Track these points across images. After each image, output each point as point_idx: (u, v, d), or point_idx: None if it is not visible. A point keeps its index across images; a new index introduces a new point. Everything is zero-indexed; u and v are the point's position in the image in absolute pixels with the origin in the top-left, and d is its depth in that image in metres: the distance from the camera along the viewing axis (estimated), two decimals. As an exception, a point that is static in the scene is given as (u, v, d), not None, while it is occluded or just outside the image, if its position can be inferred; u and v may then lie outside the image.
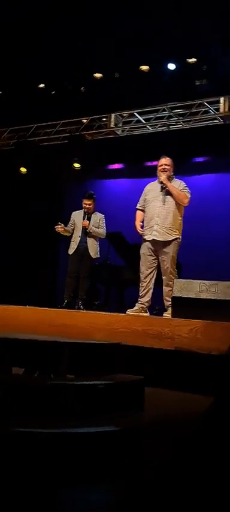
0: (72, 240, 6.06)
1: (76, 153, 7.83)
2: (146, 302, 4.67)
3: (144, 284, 4.69)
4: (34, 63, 7.09)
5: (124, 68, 7.07)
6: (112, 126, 7.77)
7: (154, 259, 4.69)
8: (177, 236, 4.64)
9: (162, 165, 4.77)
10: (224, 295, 3.39)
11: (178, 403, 2.88)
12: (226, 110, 6.91)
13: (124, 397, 2.77)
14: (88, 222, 5.96)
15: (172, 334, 3.20)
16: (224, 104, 6.92)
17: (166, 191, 4.68)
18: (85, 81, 7.42)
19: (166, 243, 4.61)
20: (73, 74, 7.32)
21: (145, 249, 4.74)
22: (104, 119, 7.90)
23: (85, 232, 5.96)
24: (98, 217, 6.08)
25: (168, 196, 4.67)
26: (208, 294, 3.45)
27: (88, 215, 6.04)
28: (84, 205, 6.05)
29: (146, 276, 4.69)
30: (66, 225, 6.13)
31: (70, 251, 6.01)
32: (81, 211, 6.10)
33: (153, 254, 4.69)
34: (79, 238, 5.96)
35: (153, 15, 6.16)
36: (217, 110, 7.03)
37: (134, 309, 4.68)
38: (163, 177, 4.69)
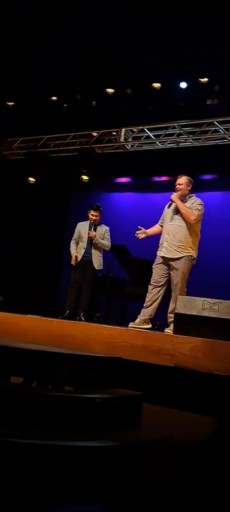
0: (76, 251, 6.07)
1: (85, 165, 7.88)
2: (149, 314, 4.64)
3: (150, 295, 4.67)
4: (47, 75, 7.18)
5: (136, 84, 7.13)
6: (122, 140, 7.82)
7: (165, 274, 4.69)
8: (188, 254, 4.61)
9: (176, 185, 4.84)
10: (226, 314, 3.35)
11: (176, 421, 2.83)
12: (236, 129, 6.93)
13: (121, 413, 2.74)
14: (94, 232, 5.97)
15: (173, 351, 3.16)
16: (234, 124, 6.94)
17: (176, 209, 4.71)
18: (97, 96, 7.50)
19: (175, 260, 4.62)
20: (85, 88, 7.40)
21: (156, 263, 4.77)
22: (114, 133, 7.95)
23: (91, 243, 5.97)
24: (103, 229, 6.10)
25: (179, 215, 4.69)
26: (210, 312, 3.41)
27: (94, 226, 6.05)
28: (91, 216, 6.06)
29: (154, 288, 4.68)
30: (70, 237, 6.14)
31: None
32: (87, 223, 6.11)
33: (163, 269, 4.70)
34: (84, 250, 5.97)
35: (167, 34, 6.22)
36: (227, 129, 7.06)
37: (136, 321, 4.65)
38: (173, 194, 4.74)
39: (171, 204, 4.75)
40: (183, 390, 3.05)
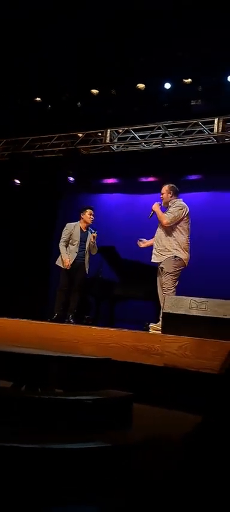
0: (67, 252, 5.94)
1: (71, 166, 7.86)
2: None
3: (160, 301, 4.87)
4: (31, 76, 7.15)
5: (121, 85, 7.16)
6: (107, 141, 7.82)
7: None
8: (171, 255, 4.87)
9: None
10: (213, 312, 3.40)
11: (166, 420, 2.86)
12: (220, 130, 7.01)
13: (112, 413, 2.75)
14: (96, 234, 5.95)
15: (162, 351, 3.19)
16: (218, 125, 7.02)
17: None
18: (82, 96, 7.50)
19: (162, 264, 4.91)
20: (70, 89, 7.39)
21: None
22: (100, 134, 7.96)
23: (84, 246, 5.92)
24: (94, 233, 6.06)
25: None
26: (198, 311, 3.45)
27: (87, 230, 6.03)
28: (89, 216, 6.02)
29: (160, 295, 4.94)
30: (59, 239, 6.08)
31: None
32: (77, 224, 6.03)
33: (160, 274, 4.98)
34: (77, 253, 5.90)
35: (151, 36, 6.27)
36: (211, 130, 7.12)
37: (158, 323, 4.70)
38: (154, 205, 5.09)
39: (152, 215, 5.10)
40: (173, 389, 3.08)
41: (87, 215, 6.03)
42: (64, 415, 2.56)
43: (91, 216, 6.05)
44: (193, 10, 5.83)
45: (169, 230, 4.95)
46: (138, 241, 5.26)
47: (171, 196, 5.09)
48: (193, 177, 8.02)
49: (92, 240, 5.90)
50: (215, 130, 7.05)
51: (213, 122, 7.09)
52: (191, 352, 3.08)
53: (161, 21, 6.04)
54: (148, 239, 5.22)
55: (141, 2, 5.81)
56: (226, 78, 6.61)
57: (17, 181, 8.32)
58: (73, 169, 7.89)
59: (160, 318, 4.68)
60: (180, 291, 5.40)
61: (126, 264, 5.78)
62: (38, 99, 7.66)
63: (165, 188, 5.15)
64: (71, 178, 8.04)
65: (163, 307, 4.55)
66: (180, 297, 3.65)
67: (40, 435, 2.43)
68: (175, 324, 3.44)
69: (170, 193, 5.10)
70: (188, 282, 6.61)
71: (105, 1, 5.88)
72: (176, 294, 4.69)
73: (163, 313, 3.70)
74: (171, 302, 3.63)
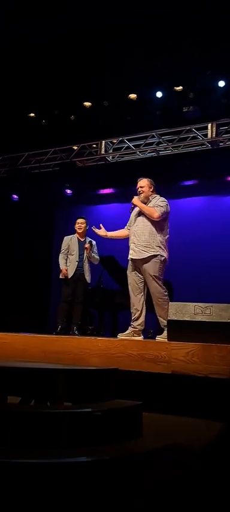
0: (67, 264, 5.97)
1: (67, 179, 7.89)
2: (138, 325, 4.59)
3: (133, 308, 4.65)
4: (24, 92, 7.20)
5: (113, 96, 7.22)
6: (102, 152, 7.87)
7: (140, 280, 4.65)
8: (156, 253, 4.55)
9: (137, 189, 4.85)
10: (219, 317, 3.41)
11: (177, 427, 2.85)
12: (213, 135, 7.07)
13: (122, 424, 2.74)
14: (90, 243, 5.92)
15: (169, 358, 3.19)
16: (212, 130, 7.08)
17: (139, 211, 4.75)
18: (75, 110, 7.55)
19: (143, 261, 4.58)
20: (62, 103, 7.44)
21: (128, 270, 4.77)
22: (94, 146, 8.00)
23: (83, 257, 5.91)
24: (93, 245, 6.04)
25: (143, 216, 4.70)
26: (203, 316, 3.46)
27: (84, 239, 6.01)
28: (79, 225, 6.00)
29: (133, 298, 4.66)
30: (58, 253, 6.11)
31: (68, 275, 5.91)
32: (74, 236, 6.07)
33: (137, 274, 4.67)
34: (77, 263, 5.91)
35: (141, 45, 6.33)
36: (205, 135, 7.18)
37: (126, 332, 4.61)
38: (134, 198, 4.77)
39: (133, 208, 4.81)
40: (181, 396, 3.08)
41: (76, 225, 6.05)
42: (75, 428, 2.55)
43: (79, 224, 6.00)
44: (182, 17, 5.91)
45: (156, 225, 4.61)
46: (98, 230, 5.03)
47: (151, 191, 4.78)
48: (189, 182, 8.08)
49: (87, 251, 5.87)
50: (209, 135, 7.12)
51: (206, 128, 7.15)
52: (198, 358, 3.08)
53: (150, 30, 6.12)
54: None
55: (131, 12, 5.88)
56: (217, 83, 6.69)
57: (15, 196, 8.33)
58: (71, 182, 7.91)
59: (129, 327, 4.61)
60: (178, 295, 5.40)
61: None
62: (32, 114, 7.71)
63: (145, 182, 4.80)
64: (68, 191, 8.07)
65: (159, 318, 4.50)
66: (184, 303, 3.65)
67: (50, 450, 2.42)
68: (181, 330, 3.44)
69: (151, 187, 4.79)
70: (186, 286, 6.66)
71: (94, 12, 5.94)
72: (174, 300, 4.51)
73: (168, 320, 3.69)
74: (175, 309, 3.63)
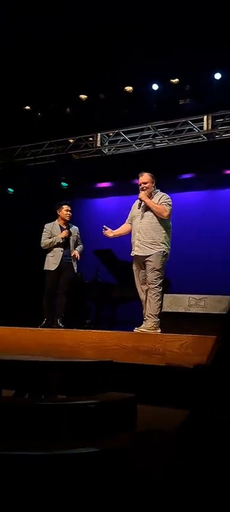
0: (51, 255, 5.65)
1: (63, 172, 7.85)
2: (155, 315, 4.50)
3: (143, 302, 4.62)
4: (20, 85, 7.15)
5: (109, 88, 7.19)
6: (98, 145, 7.84)
7: (144, 274, 4.64)
8: (161, 249, 4.55)
9: (140, 184, 4.79)
10: (213, 309, 3.41)
11: (171, 419, 2.86)
12: (209, 127, 7.04)
13: (116, 416, 2.74)
14: (67, 232, 5.65)
15: (163, 350, 3.19)
16: (207, 122, 7.05)
17: (145, 207, 4.70)
18: (71, 102, 7.51)
19: (148, 257, 4.57)
20: (58, 96, 7.40)
21: (133, 266, 4.75)
22: (90, 139, 7.97)
23: (67, 244, 5.64)
24: (76, 230, 5.83)
25: (149, 212, 4.66)
26: (197, 308, 3.46)
27: (68, 225, 5.75)
28: (65, 213, 5.71)
29: (141, 293, 4.65)
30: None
31: (52, 267, 5.62)
32: (55, 222, 5.76)
33: (142, 271, 4.66)
34: (62, 253, 5.62)
35: (136, 38, 6.30)
36: (201, 128, 7.16)
37: (141, 326, 4.50)
38: (141, 193, 4.70)
39: (140, 204, 4.73)
40: (176, 388, 3.08)
41: (64, 211, 5.72)
42: (69, 420, 2.55)
43: (68, 212, 5.72)
44: (178, 10, 5.88)
45: (162, 222, 4.59)
46: (104, 231, 4.91)
47: (153, 186, 4.73)
48: (186, 176, 8.06)
49: (64, 234, 5.60)
50: (204, 127, 7.09)
51: (202, 120, 7.13)
52: (193, 350, 3.09)
53: (146, 23, 6.09)
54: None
55: (127, 5, 5.85)
56: (213, 76, 6.67)
57: (11, 189, 8.29)
58: (67, 175, 7.88)
59: (146, 318, 4.49)
60: (176, 288, 5.39)
61: (124, 265, 5.68)
62: (27, 107, 7.66)
63: (147, 177, 4.73)
64: (65, 184, 8.00)
65: (147, 306, 4.48)
66: (179, 295, 3.65)
67: (45, 442, 2.42)
68: (175, 322, 3.44)
69: (153, 182, 4.74)
70: (184, 279, 6.66)
71: (91, 5, 5.91)
72: (172, 293, 4.52)
73: (163, 312, 3.69)
74: (170, 301, 3.63)
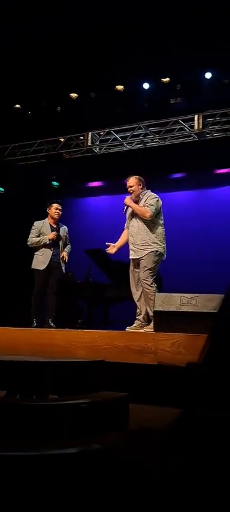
0: (40, 254, 5.59)
1: (54, 171, 7.82)
2: (143, 319, 4.64)
3: (137, 303, 4.70)
4: (10, 84, 7.10)
5: (100, 87, 7.18)
6: (89, 144, 7.82)
7: (138, 276, 4.71)
8: (153, 249, 4.62)
9: (127, 188, 4.85)
10: (204, 307, 3.42)
11: (164, 418, 2.86)
12: (200, 127, 7.07)
13: (108, 415, 2.74)
14: (55, 234, 5.59)
15: (155, 349, 3.19)
16: (198, 121, 7.08)
17: (132, 212, 4.78)
18: (61, 101, 7.48)
19: (141, 258, 4.66)
20: (49, 94, 7.37)
21: (130, 266, 4.82)
22: (81, 138, 7.95)
23: (58, 244, 5.59)
24: (65, 230, 5.78)
25: (137, 216, 4.75)
26: (189, 307, 3.47)
27: (57, 226, 5.69)
28: (55, 211, 5.66)
29: (135, 294, 4.72)
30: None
31: (41, 266, 5.55)
32: (46, 221, 5.70)
33: (136, 271, 4.73)
34: (52, 252, 5.57)
35: (128, 37, 6.30)
36: (192, 127, 7.18)
37: (133, 325, 4.63)
38: (126, 199, 4.80)
39: (126, 209, 4.82)
40: (168, 386, 3.09)
41: (53, 210, 5.66)
42: (61, 420, 2.53)
43: (57, 211, 5.66)
44: (169, 9, 5.89)
45: (149, 223, 4.66)
46: (107, 249, 4.97)
47: (141, 188, 4.79)
48: (177, 175, 8.08)
49: (50, 237, 5.54)
50: (195, 127, 7.12)
51: (193, 119, 7.15)
52: (184, 349, 3.09)
53: (137, 22, 6.09)
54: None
55: (118, 4, 5.84)
56: (204, 75, 6.69)
57: (1, 189, 8.23)
58: (58, 174, 7.84)
59: (137, 319, 4.64)
60: (167, 287, 5.40)
61: (116, 265, 5.68)
62: (18, 106, 7.62)
63: (134, 180, 4.80)
64: (55, 183, 7.97)
65: (146, 310, 4.54)
66: (170, 294, 3.66)
67: (37, 442, 2.40)
68: (167, 321, 3.45)
69: (140, 184, 4.79)
70: (175, 278, 6.68)
71: (81, 5, 5.89)
72: (163, 292, 4.56)
73: (155, 311, 3.70)
74: (162, 299, 3.64)
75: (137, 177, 4.84)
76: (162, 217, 4.79)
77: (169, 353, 3.15)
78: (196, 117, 7.10)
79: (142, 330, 4.48)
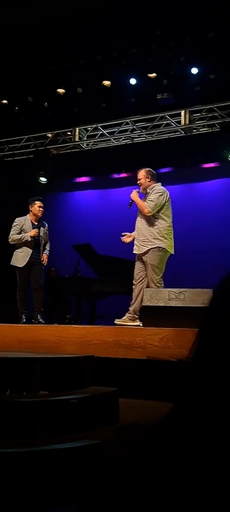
0: (20, 251, 5.53)
1: (42, 167, 7.77)
2: (132, 310, 4.59)
3: (133, 293, 4.66)
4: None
5: (87, 82, 7.15)
6: (76, 139, 7.80)
7: (139, 269, 4.67)
8: (154, 245, 4.55)
9: (137, 181, 4.82)
10: (192, 302, 3.45)
11: (153, 412, 2.89)
12: (187, 122, 7.11)
13: (98, 410, 2.76)
14: (37, 231, 5.54)
15: (144, 344, 3.22)
16: (185, 117, 7.11)
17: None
18: (49, 96, 7.44)
19: (144, 254, 4.61)
20: (36, 90, 7.32)
21: (136, 260, 4.78)
22: (69, 133, 7.92)
23: (37, 244, 5.53)
24: (45, 227, 5.71)
25: (139, 211, 4.72)
26: (177, 301, 3.50)
27: (39, 223, 5.63)
28: (38, 209, 5.59)
29: (133, 285, 4.67)
30: None
31: (21, 263, 5.49)
32: (27, 218, 5.63)
33: (138, 264, 4.70)
34: (32, 251, 5.51)
35: (114, 31, 6.29)
36: (179, 122, 7.22)
37: (122, 318, 4.59)
38: (132, 193, 4.74)
39: (131, 203, 4.76)
40: (158, 380, 3.12)
41: (36, 207, 5.58)
42: (51, 416, 2.54)
43: (41, 208, 5.60)
44: (155, 3, 5.90)
45: (150, 218, 4.59)
46: (122, 237, 4.88)
47: (149, 181, 4.70)
48: (164, 170, 8.11)
49: (32, 234, 5.49)
50: (182, 122, 7.15)
51: (180, 115, 7.18)
52: (173, 343, 3.13)
53: (123, 16, 6.08)
54: (130, 232, 4.87)
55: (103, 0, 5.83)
56: (190, 70, 6.71)
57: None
58: (45, 170, 7.80)
59: (126, 313, 4.60)
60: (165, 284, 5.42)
61: (104, 260, 5.66)
62: (5, 101, 7.55)
63: (142, 173, 4.74)
64: (43, 179, 7.92)
65: (134, 298, 4.53)
66: (158, 289, 3.68)
67: (27, 439, 2.41)
68: (155, 316, 3.48)
69: (148, 177, 4.70)
70: (164, 273, 6.72)
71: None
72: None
73: (143, 306, 3.72)
74: (150, 295, 3.66)
75: (146, 169, 4.78)
76: (168, 212, 4.70)
77: (157, 347, 3.17)
78: (182, 112, 7.13)
79: (130, 323, 4.48)
